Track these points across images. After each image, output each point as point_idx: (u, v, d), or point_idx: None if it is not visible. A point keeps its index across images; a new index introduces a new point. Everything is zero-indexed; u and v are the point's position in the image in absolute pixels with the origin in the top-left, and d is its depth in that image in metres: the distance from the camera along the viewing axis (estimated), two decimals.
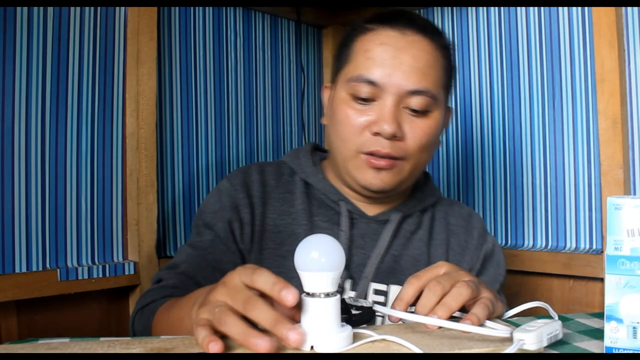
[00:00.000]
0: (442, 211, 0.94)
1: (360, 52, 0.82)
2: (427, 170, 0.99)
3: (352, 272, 0.85)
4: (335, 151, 0.86)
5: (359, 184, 0.84)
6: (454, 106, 1.36)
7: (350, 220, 0.87)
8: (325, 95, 0.92)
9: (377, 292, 0.85)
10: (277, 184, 0.89)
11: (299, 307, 0.54)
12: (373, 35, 0.82)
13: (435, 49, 0.83)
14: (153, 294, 0.81)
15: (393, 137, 0.79)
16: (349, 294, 0.84)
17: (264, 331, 0.50)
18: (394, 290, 0.85)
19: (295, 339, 0.49)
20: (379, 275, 0.85)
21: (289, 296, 0.50)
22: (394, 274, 0.85)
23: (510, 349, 0.51)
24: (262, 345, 0.49)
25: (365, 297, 0.84)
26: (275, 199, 0.88)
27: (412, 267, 0.86)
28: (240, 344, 0.52)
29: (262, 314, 0.51)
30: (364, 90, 0.80)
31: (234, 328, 0.52)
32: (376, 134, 0.80)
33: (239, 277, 0.55)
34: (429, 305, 0.60)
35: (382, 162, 0.80)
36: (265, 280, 0.53)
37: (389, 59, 0.80)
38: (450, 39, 1.36)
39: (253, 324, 0.52)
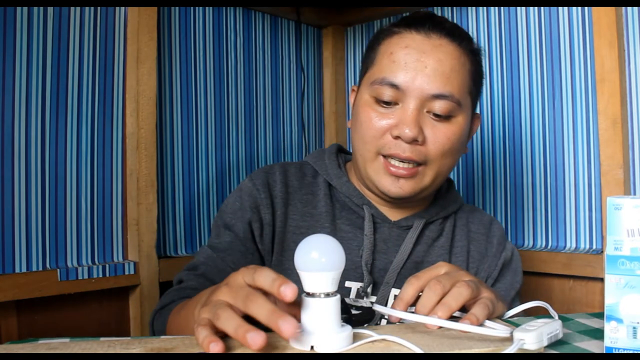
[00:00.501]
0: (464, 218, 0.93)
1: (385, 55, 0.82)
2: (451, 179, 0.99)
3: (374, 277, 0.84)
4: (357, 153, 0.85)
5: (378, 189, 0.84)
6: None
7: (373, 224, 0.86)
8: (352, 98, 0.91)
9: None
10: (300, 185, 0.88)
11: (299, 306, 0.54)
12: (398, 39, 0.82)
13: (461, 53, 0.82)
14: (173, 294, 0.81)
15: (414, 142, 0.79)
16: (371, 299, 0.84)
17: (267, 330, 0.50)
18: None
19: (287, 329, 0.48)
20: (399, 280, 0.84)
21: (287, 291, 0.50)
22: None
23: (511, 349, 0.51)
24: (255, 339, 0.49)
25: (385, 304, 0.83)
26: (298, 200, 0.87)
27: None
28: (236, 340, 0.52)
29: (259, 308, 0.51)
30: (387, 94, 0.80)
31: (229, 323, 0.52)
32: (397, 137, 0.79)
33: (242, 276, 0.55)
34: (429, 304, 0.60)
35: (401, 171, 0.80)
36: (265, 277, 0.53)
37: (412, 62, 0.79)
38: None
39: (257, 324, 0.52)
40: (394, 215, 0.88)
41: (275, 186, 0.86)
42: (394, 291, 0.84)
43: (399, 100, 0.80)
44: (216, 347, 0.51)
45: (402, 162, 0.80)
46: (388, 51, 0.82)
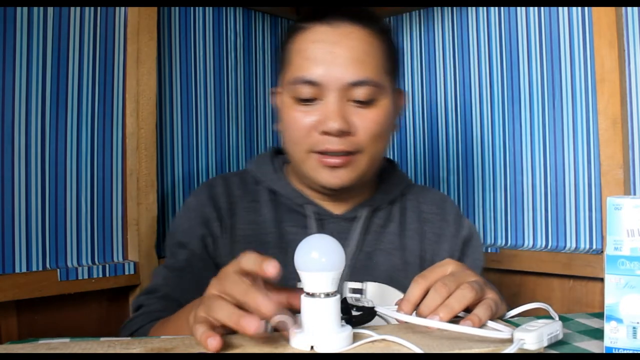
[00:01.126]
0: (413, 200, 0.92)
1: (296, 53, 0.81)
2: (392, 159, 0.98)
3: None
4: (291, 155, 0.85)
5: (317, 184, 0.83)
6: (453, 106, 1.36)
7: (318, 222, 0.85)
8: (273, 100, 0.90)
9: (354, 290, 0.84)
10: (243, 194, 0.88)
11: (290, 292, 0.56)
12: (307, 34, 0.81)
13: (371, 35, 0.81)
14: (140, 320, 0.80)
15: (342, 133, 0.78)
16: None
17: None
18: (370, 287, 0.83)
19: (265, 306, 0.50)
20: (354, 273, 0.84)
21: (269, 268, 0.52)
22: (368, 270, 0.84)
23: (511, 349, 0.51)
24: (250, 323, 0.50)
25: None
26: (242, 209, 0.87)
27: (387, 261, 0.85)
28: (230, 327, 0.52)
29: (240, 292, 0.52)
30: (305, 91, 0.79)
31: (222, 312, 0.52)
32: (324, 132, 0.78)
33: (230, 267, 0.57)
34: (432, 306, 0.60)
35: (335, 160, 0.79)
36: (248, 260, 0.54)
37: (324, 55, 0.78)
38: (450, 39, 1.36)
39: None
40: (338, 209, 0.88)
41: (219, 199, 0.86)
42: (349, 284, 0.84)
43: (319, 96, 0.79)
44: (214, 342, 0.51)
45: (335, 153, 0.79)
46: (298, 48, 0.81)
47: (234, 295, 0.53)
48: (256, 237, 0.85)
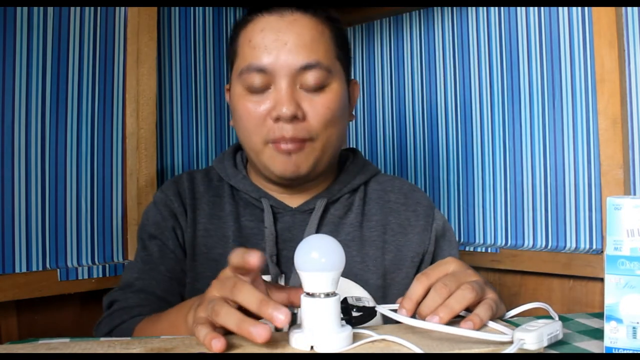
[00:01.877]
0: (378, 190, 0.91)
1: (245, 44, 0.81)
2: (355, 149, 0.97)
3: (282, 268, 0.83)
4: (247, 148, 0.85)
5: (275, 175, 0.83)
6: (453, 105, 1.36)
7: (273, 215, 0.85)
8: (227, 97, 0.90)
9: None
10: (206, 190, 0.89)
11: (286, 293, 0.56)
12: (254, 25, 0.81)
13: (318, 23, 0.82)
14: (118, 315, 0.80)
15: (294, 119, 0.78)
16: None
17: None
18: None
19: (280, 319, 0.50)
20: None
21: (252, 259, 0.53)
22: None
23: (511, 349, 0.51)
24: (261, 333, 0.50)
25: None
26: (205, 204, 0.87)
27: (345, 253, 0.85)
28: (239, 335, 0.52)
29: (248, 296, 0.52)
30: (256, 80, 0.79)
31: (229, 318, 0.52)
32: (277, 119, 0.78)
33: (229, 269, 0.57)
34: (432, 306, 0.60)
35: (289, 146, 0.79)
36: (234, 256, 0.55)
37: (272, 43, 0.79)
38: (450, 39, 1.36)
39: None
40: (295, 202, 0.87)
41: (184, 193, 0.87)
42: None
43: (270, 84, 0.79)
44: (218, 344, 0.51)
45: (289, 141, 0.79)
46: (246, 39, 0.81)
47: (248, 306, 0.53)
48: (217, 230, 0.85)
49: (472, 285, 0.61)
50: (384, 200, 0.89)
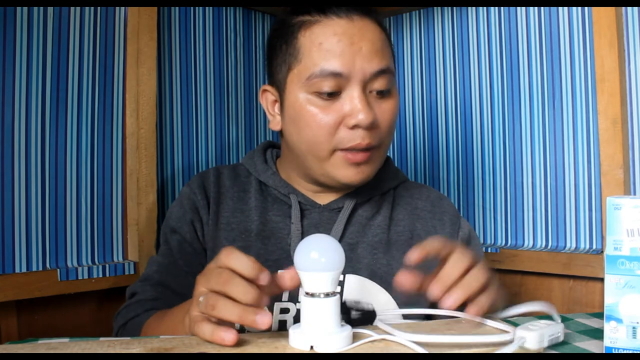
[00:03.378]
0: (407, 196, 0.91)
1: (313, 47, 0.78)
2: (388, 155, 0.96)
3: None
4: (303, 155, 0.82)
5: (338, 182, 0.82)
6: (453, 105, 1.36)
7: (301, 211, 0.85)
8: (264, 100, 0.88)
9: None
10: (232, 184, 0.89)
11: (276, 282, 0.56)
12: (322, 28, 0.79)
13: (379, 27, 0.82)
14: (134, 308, 0.81)
15: (372, 126, 0.78)
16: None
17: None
18: (350, 279, 0.82)
19: (262, 321, 0.51)
20: None
21: (264, 278, 0.54)
22: (350, 262, 0.83)
23: (511, 347, 0.51)
24: (265, 320, 0.51)
25: None
26: (229, 198, 0.88)
27: (370, 255, 0.84)
28: (242, 324, 0.52)
29: (241, 289, 0.53)
30: (328, 84, 0.77)
31: (229, 310, 0.52)
32: (354, 126, 0.77)
33: (214, 262, 0.58)
34: (452, 277, 0.60)
35: (360, 157, 0.79)
36: (241, 264, 0.55)
37: (348, 47, 0.77)
38: (450, 39, 1.36)
39: None
40: (323, 199, 0.87)
41: (209, 187, 0.88)
42: None
43: (342, 89, 0.78)
44: (231, 335, 0.51)
45: (363, 149, 0.79)
46: (316, 42, 0.78)
47: (241, 299, 0.53)
48: (239, 224, 0.85)
49: (485, 268, 0.61)
50: (411, 207, 0.90)
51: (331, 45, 0.77)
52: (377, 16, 0.83)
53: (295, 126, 0.81)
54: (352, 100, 0.77)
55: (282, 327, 0.79)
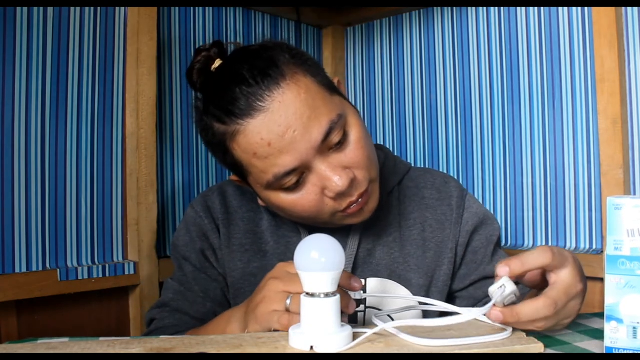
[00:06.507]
0: (413, 186, 0.89)
1: (253, 158, 0.71)
2: (383, 145, 0.94)
3: None
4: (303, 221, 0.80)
5: (346, 224, 0.80)
6: (453, 105, 1.36)
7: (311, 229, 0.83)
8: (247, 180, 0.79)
9: None
10: (240, 204, 0.86)
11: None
12: (245, 137, 0.70)
13: (298, 80, 0.70)
14: (158, 335, 0.81)
15: (351, 182, 0.71)
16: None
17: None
18: (372, 283, 0.83)
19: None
20: (354, 271, 0.83)
21: (356, 284, 0.63)
22: (369, 267, 0.83)
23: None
24: (354, 306, 0.61)
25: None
26: (240, 219, 0.85)
27: (386, 256, 0.84)
28: None
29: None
30: (290, 180, 0.71)
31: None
32: (338, 195, 0.72)
33: (283, 267, 0.64)
34: (530, 317, 0.58)
35: (359, 206, 0.74)
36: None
37: (281, 143, 0.69)
38: (450, 39, 1.36)
39: None
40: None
41: (216, 209, 0.85)
42: None
43: (304, 171, 0.72)
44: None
45: (356, 201, 0.74)
46: (251, 153, 0.71)
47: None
48: (252, 245, 0.84)
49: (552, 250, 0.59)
50: (419, 197, 0.88)
51: (265, 151, 0.70)
52: (288, 64, 0.71)
53: (281, 211, 0.78)
54: (320, 175, 0.71)
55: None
